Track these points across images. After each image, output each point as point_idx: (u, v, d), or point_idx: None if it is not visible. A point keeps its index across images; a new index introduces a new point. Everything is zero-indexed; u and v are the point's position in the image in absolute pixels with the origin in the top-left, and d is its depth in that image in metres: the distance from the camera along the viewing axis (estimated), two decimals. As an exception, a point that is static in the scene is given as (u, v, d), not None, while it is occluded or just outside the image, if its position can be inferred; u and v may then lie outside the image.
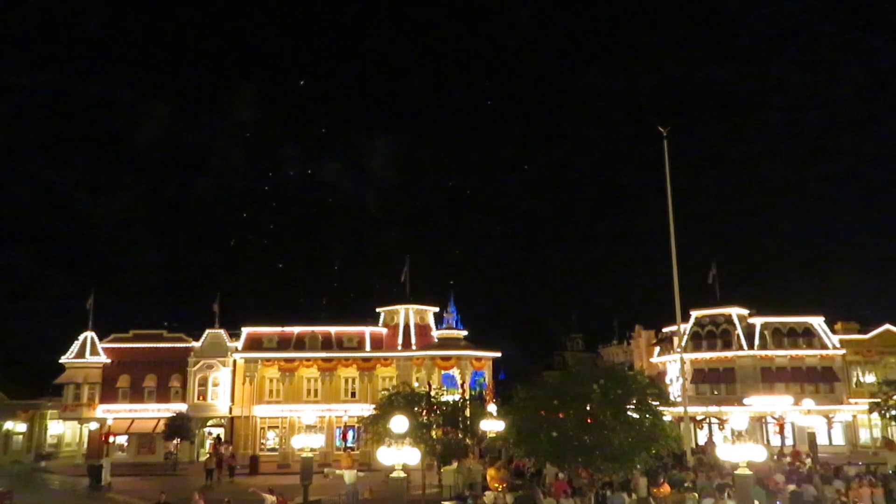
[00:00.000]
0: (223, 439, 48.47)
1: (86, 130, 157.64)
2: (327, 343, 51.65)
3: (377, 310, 54.25)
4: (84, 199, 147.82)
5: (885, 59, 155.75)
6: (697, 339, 52.77)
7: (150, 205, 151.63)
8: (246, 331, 52.36)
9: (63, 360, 50.72)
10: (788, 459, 35.22)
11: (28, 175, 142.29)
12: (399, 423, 21.27)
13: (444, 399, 33.10)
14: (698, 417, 49.98)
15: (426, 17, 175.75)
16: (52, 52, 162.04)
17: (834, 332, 52.40)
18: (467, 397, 40.71)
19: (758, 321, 52.38)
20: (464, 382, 48.24)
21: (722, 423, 48.02)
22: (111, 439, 49.17)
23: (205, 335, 51.74)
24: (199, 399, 50.48)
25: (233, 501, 24.45)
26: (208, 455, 41.79)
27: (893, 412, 39.56)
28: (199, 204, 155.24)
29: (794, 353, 51.19)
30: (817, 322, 52.40)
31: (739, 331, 51.71)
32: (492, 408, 39.82)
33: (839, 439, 49.98)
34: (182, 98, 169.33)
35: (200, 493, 25.26)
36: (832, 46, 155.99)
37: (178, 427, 46.37)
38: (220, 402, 50.62)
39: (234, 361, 51.14)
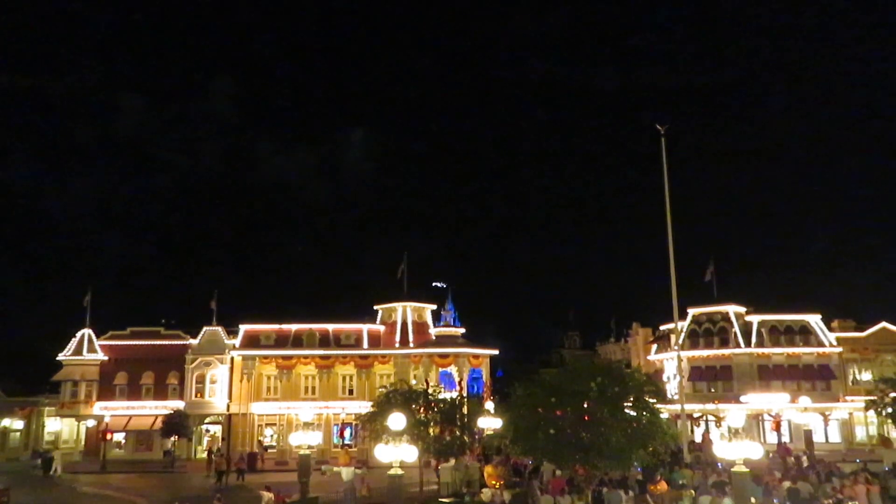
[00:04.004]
0: (218, 448, 47.24)
1: (70, 125, 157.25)
2: (325, 340, 51.61)
3: (375, 307, 54.22)
4: (73, 195, 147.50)
5: (884, 59, 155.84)
6: (695, 337, 52.80)
7: (145, 201, 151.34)
8: (243, 328, 52.30)
9: (60, 357, 50.66)
10: (790, 458, 35.22)
11: (12, 171, 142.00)
12: (396, 420, 21.31)
13: (441, 396, 33.08)
14: (695, 415, 50.06)
15: (423, 13, 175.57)
16: (29, 48, 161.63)
17: (830, 329, 52.49)
18: (465, 395, 40.65)
19: (755, 319, 52.46)
20: (461, 380, 48.22)
21: (719, 420, 48.10)
22: (108, 436, 49.09)
23: (202, 332, 51.70)
24: (196, 396, 50.46)
25: (224, 500, 24.29)
26: (220, 456, 41.68)
27: (889, 410, 39.56)
28: (195, 201, 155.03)
29: (790, 350, 51.26)
30: (814, 320, 52.47)
31: (736, 328, 51.76)
32: (489, 405, 39.90)
33: (835, 437, 50.05)
34: (170, 93, 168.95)
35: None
36: (831, 46, 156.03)
37: (176, 424, 46.31)
38: (217, 399, 50.60)
39: (232, 359, 51.11)
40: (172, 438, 46.89)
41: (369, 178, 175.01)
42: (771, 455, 35.62)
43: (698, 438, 48.02)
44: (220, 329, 51.85)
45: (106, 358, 51.12)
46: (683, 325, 50.80)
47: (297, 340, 51.67)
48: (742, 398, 48.50)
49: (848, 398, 49.59)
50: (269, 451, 48.07)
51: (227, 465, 38.63)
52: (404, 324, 52.52)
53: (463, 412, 33.03)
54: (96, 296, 51.05)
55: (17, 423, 52.01)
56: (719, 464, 27.05)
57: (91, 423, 50.34)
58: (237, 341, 51.66)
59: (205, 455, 45.72)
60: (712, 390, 51.38)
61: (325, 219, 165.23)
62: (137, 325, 53.26)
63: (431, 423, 31.10)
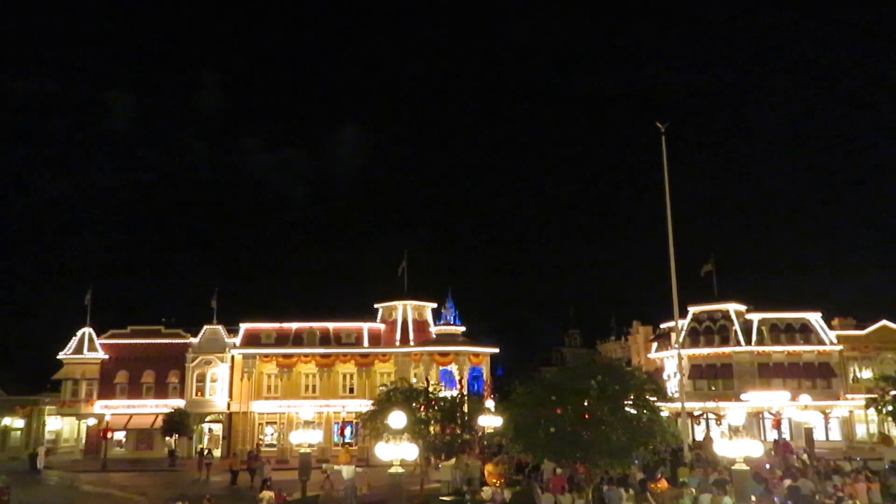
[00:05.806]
0: (210, 449, 46.66)
1: (66, 123, 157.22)
2: (325, 339, 51.59)
3: (375, 305, 54.17)
4: (72, 194, 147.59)
5: (882, 60, 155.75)
6: (695, 335, 52.80)
7: (145, 199, 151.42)
8: (244, 327, 52.28)
9: (61, 355, 50.68)
10: (792, 457, 35.18)
11: (11, 170, 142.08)
12: (397, 418, 21.32)
13: (442, 395, 33.10)
14: (696, 413, 50.02)
15: (420, 11, 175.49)
16: (19, 47, 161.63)
17: (831, 327, 52.46)
18: (465, 393, 40.65)
19: (755, 317, 52.43)
20: (462, 378, 48.20)
21: (719, 418, 48.07)
22: (109, 435, 49.08)
23: (203, 331, 51.72)
24: (197, 395, 50.48)
25: (213, 499, 24.17)
26: (234, 455, 41.56)
27: (890, 408, 39.53)
28: (195, 199, 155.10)
29: (791, 348, 51.26)
30: (814, 318, 52.44)
31: (737, 326, 51.73)
32: (490, 403, 39.92)
33: (836, 435, 50.00)
34: (167, 91, 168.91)
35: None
36: (830, 47, 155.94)
37: (176, 423, 46.37)
38: (217, 397, 50.62)
39: (232, 357, 51.13)
40: (173, 437, 46.90)
41: (370, 176, 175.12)
42: (772, 453, 35.61)
43: (699, 437, 48.07)
44: (220, 328, 51.86)
45: (106, 356, 51.13)
46: (684, 324, 50.76)
47: (298, 339, 51.65)
48: (742, 396, 48.51)
49: (848, 396, 49.57)
50: (261, 451, 47.50)
51: (238, 464, 38.47)
52: (405, 322, 52.49)
53: (463, 410, 33.10)
54: (96, 294, 51.13)
55: (18, 422, 51.99)
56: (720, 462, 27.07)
57: (92, 421, 50.34)
58: (237, 340, 51.65)
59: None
60: (713, 388, 51.39)
61: (325, 217, 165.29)
62: (138, 324, 53.24)
63: (432, 422, 31.14)
